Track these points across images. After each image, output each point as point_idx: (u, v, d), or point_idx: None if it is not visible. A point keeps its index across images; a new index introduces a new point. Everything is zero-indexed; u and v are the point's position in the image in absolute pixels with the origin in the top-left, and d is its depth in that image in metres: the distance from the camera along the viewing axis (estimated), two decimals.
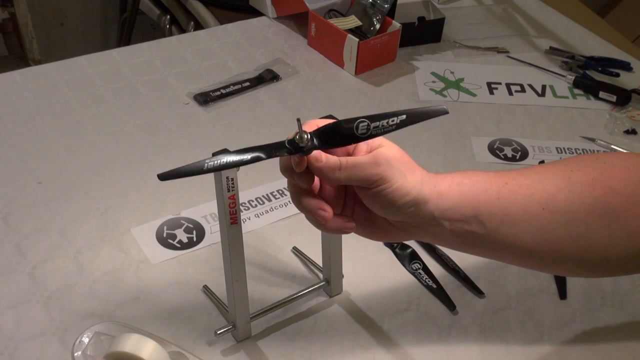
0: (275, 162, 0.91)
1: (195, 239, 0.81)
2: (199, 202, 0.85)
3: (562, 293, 0.77)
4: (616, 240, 0.58)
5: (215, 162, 0.53)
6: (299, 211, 0.57)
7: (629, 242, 0.58)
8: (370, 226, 0.58)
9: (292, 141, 0.52)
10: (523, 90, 1.13)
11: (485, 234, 0.56)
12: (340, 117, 0.60)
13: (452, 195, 0.55)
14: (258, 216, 0.84)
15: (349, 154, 0.56)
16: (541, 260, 0.60)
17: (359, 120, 0.51)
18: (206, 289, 0.74)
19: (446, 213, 0.55)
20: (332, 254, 0.72)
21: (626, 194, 0.57)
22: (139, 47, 1.15)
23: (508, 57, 1.22)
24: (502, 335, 0.73)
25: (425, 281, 0.77)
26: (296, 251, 0.80)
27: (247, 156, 0.53)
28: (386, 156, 0.53)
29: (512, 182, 0.57)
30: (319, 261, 0.75)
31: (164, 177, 0.53)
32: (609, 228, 0.57)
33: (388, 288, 0.77)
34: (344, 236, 0.71)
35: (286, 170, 0.55)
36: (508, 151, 0.99)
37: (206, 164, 0.53)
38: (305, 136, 0.52)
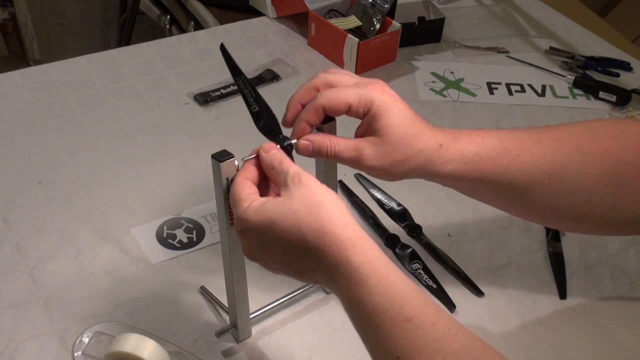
0: None
1: (195, 239, 0.81)
2: (199, 202, 0.85)
3: (562, 293, 0.77)
4: (619, 207, 0.61)
5: (243, 86, 0.59)
6: None
7: (633, 209, 0.61)
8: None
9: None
10: (523, 90, 1.13)
11: (486, 191, 0.61)
12: (340, 118, 0.60)
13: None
14: None
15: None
16: (537, 216, 0.66)
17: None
18: (203, 290, 0.74)
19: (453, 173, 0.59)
20: None
21: (637, 163, 0.60)
22: (139, 47, 1.15)
23: (508, 57, 1.22)
24: (502, 335, 0.73)
25: (425, 281, 0.77)
26: None
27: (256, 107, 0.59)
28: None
29: (524, 154, 0.59)
30: None
31: (223, 48, 0.60)
32: (613, 196, 0.60)
33: None
34: None
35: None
36: None
37: (240, 78, 0.60)
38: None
